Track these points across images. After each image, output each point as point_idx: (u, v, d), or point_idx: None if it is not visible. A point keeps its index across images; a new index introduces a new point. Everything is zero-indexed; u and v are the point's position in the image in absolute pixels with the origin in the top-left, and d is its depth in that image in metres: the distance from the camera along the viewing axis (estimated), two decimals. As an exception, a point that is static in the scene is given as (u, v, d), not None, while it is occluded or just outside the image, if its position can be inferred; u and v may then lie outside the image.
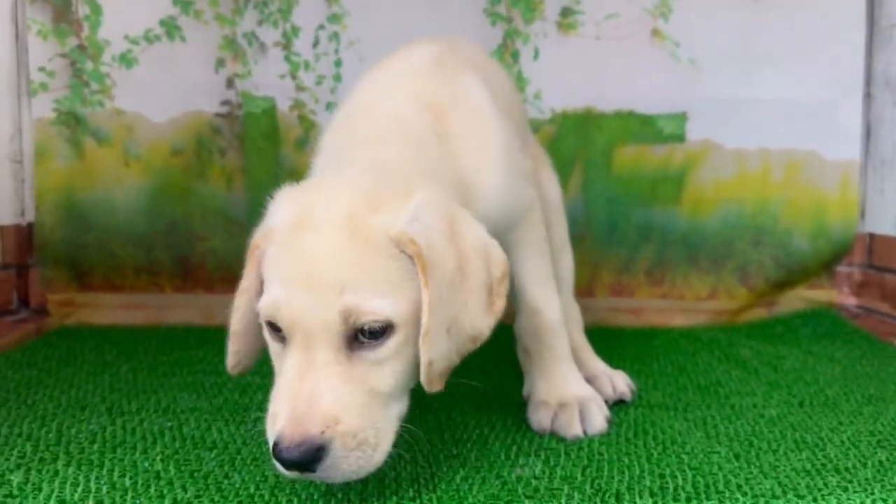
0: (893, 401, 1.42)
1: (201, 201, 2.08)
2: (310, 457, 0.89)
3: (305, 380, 0.93)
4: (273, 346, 1.01)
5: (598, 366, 1.49)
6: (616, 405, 1.38)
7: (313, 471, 0.90)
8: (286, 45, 2.08)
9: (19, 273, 2.05)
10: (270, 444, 0.92)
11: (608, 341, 1.76)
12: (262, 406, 1.33)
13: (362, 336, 0.95)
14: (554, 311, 1.31)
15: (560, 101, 2.13)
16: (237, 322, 1.08)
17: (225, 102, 2.08)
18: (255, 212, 2.07)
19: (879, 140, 2.14)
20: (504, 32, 2.11)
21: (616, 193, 2.16)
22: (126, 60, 2.04)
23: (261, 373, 1.56)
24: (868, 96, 2.16)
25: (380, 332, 0.95)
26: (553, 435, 1.23)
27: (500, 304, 1.06)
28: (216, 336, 1.88)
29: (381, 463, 0.95)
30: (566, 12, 2.11)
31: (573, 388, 1.29)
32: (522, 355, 1.34)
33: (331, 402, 0.91)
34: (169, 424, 1.27)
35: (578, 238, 1.64)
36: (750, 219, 2.15)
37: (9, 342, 1.80)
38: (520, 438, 1.22)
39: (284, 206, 1.03)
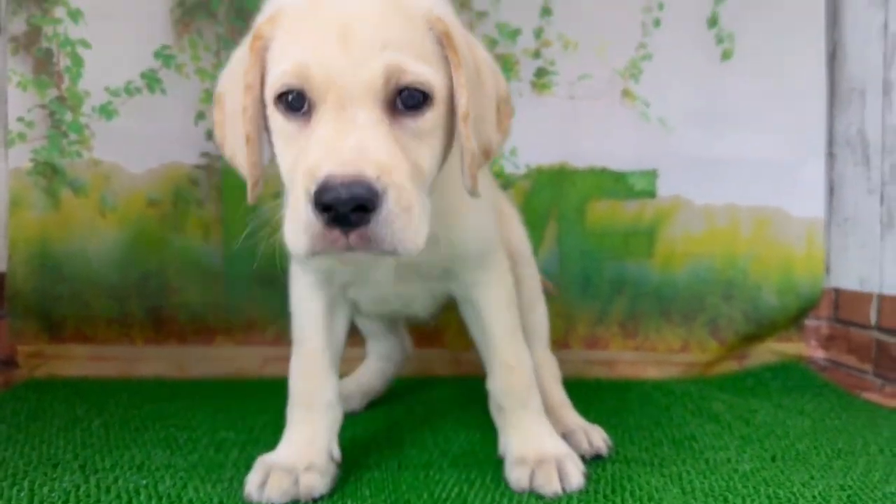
0: (861, 454, 1.44)
1: (177, 252, 2.08)
2: (365, 195, 0.81)
3: (349, 135, 0.86)
4: (287, 127, 0.94)
5: (576, 420, 1.50)
6: (593, 460, 1.39)
7: (366, 222, 0.83)
8: (266, 99, 2.10)
9: (-12, 324, 2.01)
10: (311, 194, 0.83)
11: (584, 394, 1.77)
12: (238, 463, 1.33)
13: (401, 104, 0.91)
14: (526, 366, 1.32)
15: (535, 158, 2.18)
16: (248, 123, 0.98)
17: (204, 154, 2.09)
18: (231, 262, 2.09)
19: (842, 198, 2.22)
20: (481, 90, 2.17)
21: (589, 247, 2.20)
22: (106, 112, 2.05)
23: (235, 429, 1.56)
24: (830, 156, 2.25)
25: (419, 103, 0.92)
26: (532, 493, 1.23)
27: (507, 124, 1.05)
28: (188, 389, 1.89)
29: (419, 247, 0.89)
30: (541, 73, 2.18)
31: (549, 445, 1.29)
32: (496, 412, 1.34)
33: (383, 154, 0.85)
34: (144, 482, 1.24)
35: (553, 291, 1.68)
36: (720, 273, 2.20)
37: (-25, 395, 1.77)
38: (499, 496, 1.21)
39: None
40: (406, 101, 0.91)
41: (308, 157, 0.88)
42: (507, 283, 1.32)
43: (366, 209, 0.83)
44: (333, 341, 1.29)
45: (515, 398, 1.30)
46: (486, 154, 1.02)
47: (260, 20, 1.00)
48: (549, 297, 1.69)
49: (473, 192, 1.00)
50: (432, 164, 0.95)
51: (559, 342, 2.04)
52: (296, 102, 0.92)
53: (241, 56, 1.04)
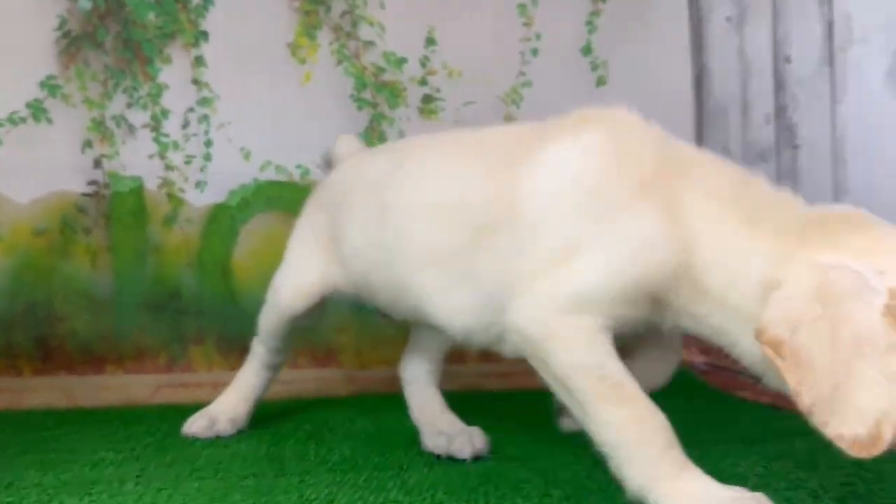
0: (719, 443, 1.53)
1: (64, 281, 2.06)
2: None
3: None
4: None
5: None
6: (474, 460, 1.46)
7: None
8: (155, 126, 2.13)
9: None
10: None
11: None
12: (112, 479, 1.34)
13: None
14: None
15: (424, 178, 2.26)
16: None
17: (91, 182, 2.09)
18: (122, 290, 2.08)
19: None
20: (370, 116, 2.25)
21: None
22: (-12, 142, 2.04)
23: (116, 449, 1.56)
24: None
25: None
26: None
27: None
28: (77, 417, 1.87)
29: None
30: (427, 99, 2.28)
31: None
32: None
33: None
34: (9, 500, 1.23)
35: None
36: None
37: None
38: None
39: None
40: None
41: None
42: None
43: None
44: None
45: None
46: None
47: None
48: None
49: None
50: None
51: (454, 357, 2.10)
52: None
53: None
